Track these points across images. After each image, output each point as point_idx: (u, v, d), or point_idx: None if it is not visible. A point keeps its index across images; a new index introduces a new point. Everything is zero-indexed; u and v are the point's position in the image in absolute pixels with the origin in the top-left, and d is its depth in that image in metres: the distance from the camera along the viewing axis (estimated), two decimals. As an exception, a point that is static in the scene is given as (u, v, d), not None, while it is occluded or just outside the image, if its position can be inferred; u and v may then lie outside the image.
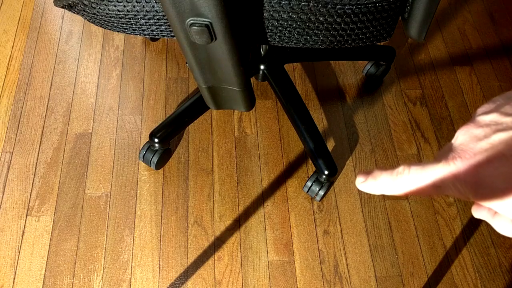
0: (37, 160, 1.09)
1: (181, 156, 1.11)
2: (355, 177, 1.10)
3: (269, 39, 0.67)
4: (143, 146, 1.06)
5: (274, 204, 1.05)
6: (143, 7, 0.63)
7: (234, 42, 0.55)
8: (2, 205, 1.03)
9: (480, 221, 1.06)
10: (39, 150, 1.10)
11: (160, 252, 0.99)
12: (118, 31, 0.70)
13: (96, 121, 1.15)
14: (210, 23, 0.52)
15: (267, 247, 1.00)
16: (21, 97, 1.18)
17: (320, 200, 1.06)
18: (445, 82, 1.25)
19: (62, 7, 0.70)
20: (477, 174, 0.26)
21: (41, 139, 1.12)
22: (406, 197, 1.08)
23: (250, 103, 0.71)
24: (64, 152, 1.10)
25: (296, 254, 1.00)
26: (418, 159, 1.13)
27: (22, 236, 1.00)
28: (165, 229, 1.02)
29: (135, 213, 1.03)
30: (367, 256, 1.00)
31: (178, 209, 1.04)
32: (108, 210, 1.03)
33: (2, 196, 1.04)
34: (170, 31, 0.67)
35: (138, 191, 1.06)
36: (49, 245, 0.99)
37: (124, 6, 0.63)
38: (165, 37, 0.70)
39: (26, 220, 1.02)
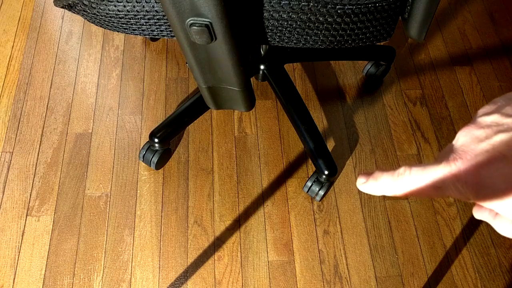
0: (37, 160, 1.09)
1: (181, 156, 1.11)
2: (355, 177, 1.10)
3: (269, 39, 0.67)
4: (143, 146, 1.06)
5: (274, 204, 1.05)
6: (143, 7, 0.63)
7: (234, 42, 0.55)
8: (2, 205, 1.03)
9: (480, 221, 1.06)
10: (39, 150, 1.10)
11: (160, 252, 0.99)
12: (118, 31, 0.70)
13: (96, 121, 1.15)
14: (210, 23, 0.52)
15: (267, 247, 1.00)
16: (21, 97, 1.17)
17: (320, 200, 1.06)
18: (445, 82, 1.25)
19: (62, 7, 0.70)
20: (478, 175, 0.26)
21: (41, 139, 1.12)
22: (406, 197, 1.08)
23: (250, 103, 0.70)
24: (64, 152, 1.10)
25: (296, 254, 1.00)
26: (418, 159, 1.13)
27: (22, 236, 1.00)
28: (165, 229, 1.02)
29: (135, 213, 1.03)
30: (367, 256, 1.00)
31: (178, 209, 1.04)
32: (108, 210, 1.03)
33: (2, 196, 1.04)
34: (170, 31, 0.67)
35: (138, 191, 1.06)
36: (49, 245, 0.99)
37: (124, 6, 0.63)
38: (165, 37, 0.70)
39: (26, 220, 1.01)
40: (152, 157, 1.05)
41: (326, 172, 0.99)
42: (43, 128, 1.13)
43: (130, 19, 0.65)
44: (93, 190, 1.06)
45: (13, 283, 0.95)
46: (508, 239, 1.03)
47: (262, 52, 1.06)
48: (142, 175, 1.08)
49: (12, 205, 1.03)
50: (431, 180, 0.27)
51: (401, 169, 0.28)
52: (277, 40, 0.67)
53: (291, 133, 1.14)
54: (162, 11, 0.63)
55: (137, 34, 0.69)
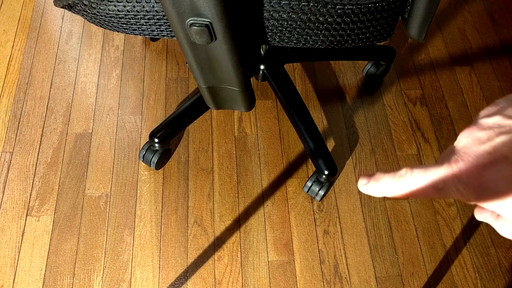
0: (37, 160, 1.09)
1: (181, 156, 1.10)
2: (355, 177, 1.10)
3: (269, 39, 0.67)
4: (143, 146, 1.06)
5: (274, 204, 1.05)
6: (143, 7, 0.63)
7: (234, 42, 0.55)
8: (2, 205, 1.03)
9: (480, 221, 1.06)
10: (39, 150, 1.10)
11: (160, 252, 0.99)
12: (118, 31, 0.69)
13: (96, 121, 1.15)
14: (210, 23, 0.52)
15: (267, 247, 1.00)
16: (21, 97, 1.17)
17: (320, 200, 1.06)
18: (445, 82, 1.25)
19: (62, 7, 0.70)
20: (480, 177, 0.26)
21: (41, 139, 1.12)
22: (407, 198, 1.08)
23: (250, 103, 0.70)
24: (64, 152, 1.10)
25: (296, 254, 1.00)
26: (418, 159, 1.13)
27: (22, 236, 1.00)
28: (165, 229, 1.02)
29: (135, 213, 1.03)
30: (367, 256, 1.00)
31: (178, 209, 1.04)
32: (108, 210, 1.03)
33: (2, 196, 1.04)
34: (170, 31, 0.67)
35: (138, 191, 1.06)
36: (49, 245, 0.99)
37: (124, 6, 0.63)
38: (165, 37, 0.70)
39: (26, 220, 1.01)
40: (152, 157, 1.05)
41: (326, 172, 0.99)
42: (43, 128, 1.13)
43: (130, 19, 0.65)
44: (93, 190, 1.05)
45: (13, 283, 0.95)
46: (508, 239, 1.03)
47: (262, 52, 1.06)
48: (142, 175, 1.08)
49: (12, 205, 1.03)
50: (432, 182, 0.27)
51: (403, 171, 0.28)
52: (277, 40, 0.67)
53: (291, 133, 1.14)
54: (162, 11, 0.63)
55: (137, 34, 0.69)
